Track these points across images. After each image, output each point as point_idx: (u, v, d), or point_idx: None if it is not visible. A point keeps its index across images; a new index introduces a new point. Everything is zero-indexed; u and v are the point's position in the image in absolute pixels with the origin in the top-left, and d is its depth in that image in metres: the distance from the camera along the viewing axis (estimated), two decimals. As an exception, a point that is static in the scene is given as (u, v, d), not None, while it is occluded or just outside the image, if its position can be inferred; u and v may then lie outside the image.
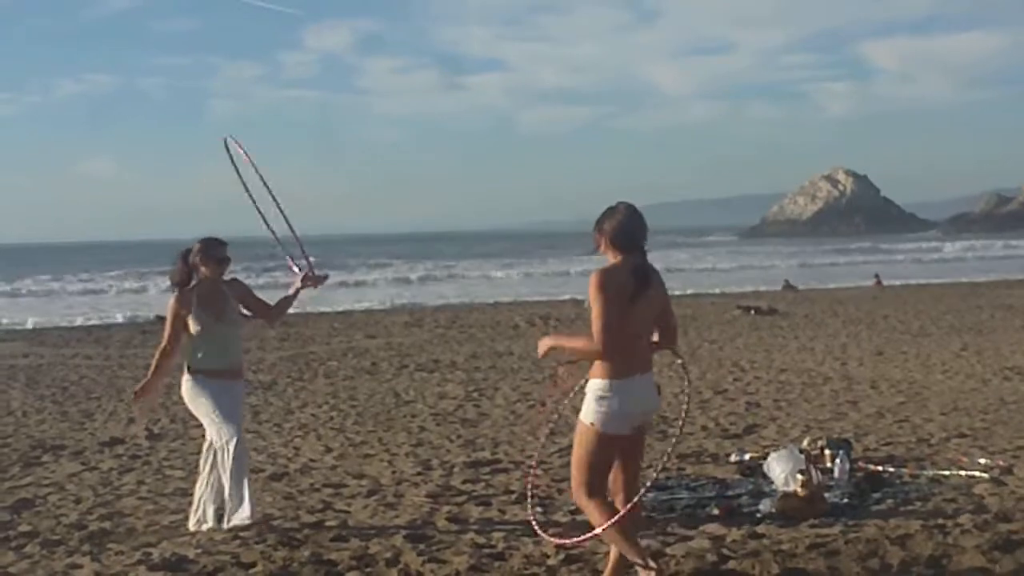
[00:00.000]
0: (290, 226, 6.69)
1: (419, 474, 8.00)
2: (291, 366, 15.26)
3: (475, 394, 12.20)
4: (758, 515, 6.43)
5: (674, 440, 4.99)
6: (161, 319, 23.67)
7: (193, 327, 6.39)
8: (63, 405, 12.24)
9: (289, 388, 13.13)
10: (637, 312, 4.77)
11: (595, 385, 4.82)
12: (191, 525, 6.54)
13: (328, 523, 6.60)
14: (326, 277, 6.87)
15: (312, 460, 8.69)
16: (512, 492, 7.27)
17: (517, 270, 51.01)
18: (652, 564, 4.82)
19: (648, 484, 4.94)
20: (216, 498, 6.55)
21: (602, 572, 5.15)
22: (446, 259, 63.68)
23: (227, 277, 6.61)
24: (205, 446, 6.59)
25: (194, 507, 6.58)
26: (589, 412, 4.83)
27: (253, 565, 5.65)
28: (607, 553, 5.25)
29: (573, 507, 6.61)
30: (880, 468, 7.48)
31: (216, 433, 6.35)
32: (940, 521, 6.14)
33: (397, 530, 6.35)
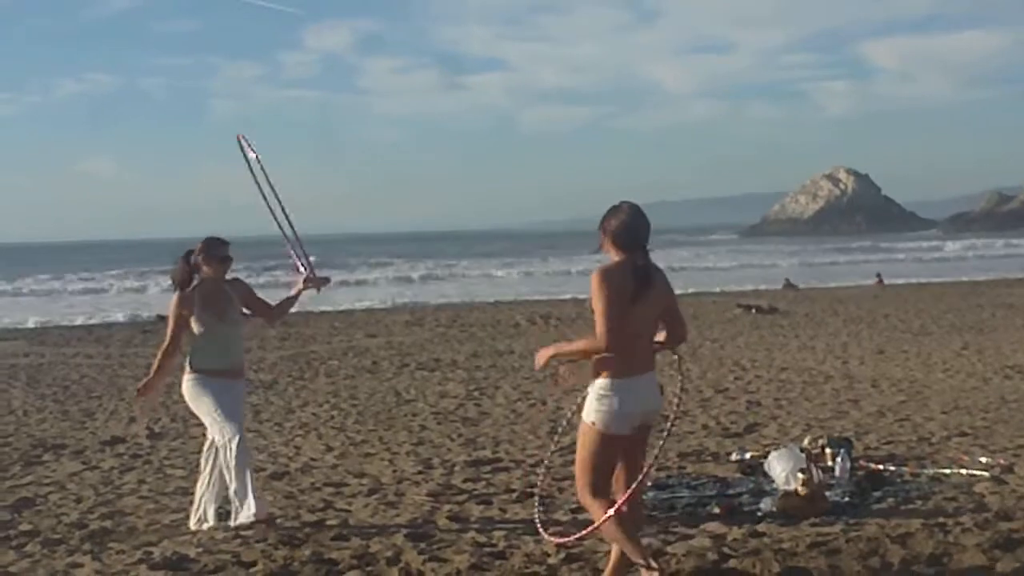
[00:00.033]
0: (292, 226, 6.70)
1: (420, 473, 8.00)
2: (292, 365, 15.26)
3: (476, 393, 12.20)
4: (759, 514, 6.44)
5: (664, 435, 4.93)
6: (162, 318, 23.59)
7: (196, 327, 6.40)
8: (64, 404, 12.24)
9: (290, 387, 13.13)
10: (638, 312, 4.77)
11: (596, 384, 4.82)
12: (192, 524, 6.54)
13: (329, 522, 6.60)
14: (328, 280, 6.88)
15: (313, 459, 8.69)
16: (513, 491, 7.27)
17: (518, 269, 50.98)
18: (654, 564, 4.82)
19: (644, 472, 4.90)
20: (217, 497, 6.56)
21: (603, 571, 5.15)
22: (447, 258, 63.67)
23: (229, 276, 6.62)
24: (206, 445, 6.60)
25: (195, 506, 6.59)
26: (590, 411, 4.83)
27: (254, 564, 5.66)
28: (608, 552, 5.25)
29: (574, 506, 6.62)
30: (881, 467, 7.48)
31: (218, 432, 6.35)
32: (941, 520, 6.14)
33: (398, 529, 6.35)
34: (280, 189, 6.71)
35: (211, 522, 6.49)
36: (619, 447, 4.86)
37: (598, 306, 4.71)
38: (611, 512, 4.77)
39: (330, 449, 9.11)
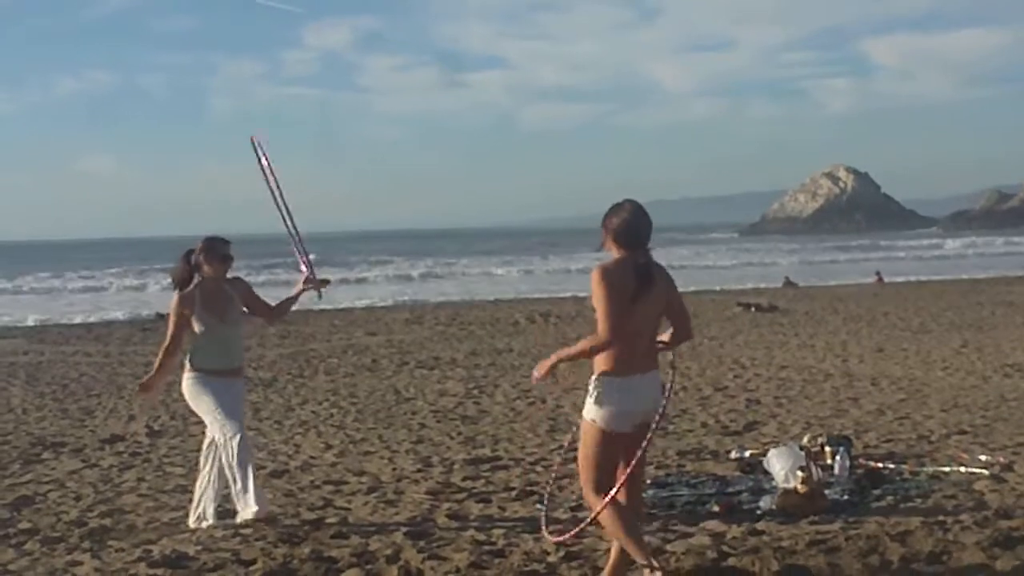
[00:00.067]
0: (296, 229, 6.71)
1: (419, 471, 8.00)
2: (291, 363, 15.26)
3: (475, 391, 12.20)
4: (758, 512, 6.44)
5: (652, 428, 4.89)
6: (161, 316, 23.58)
7: (197, 327, 6.40)
8: (63, 402, 12.24)
9: (289, 385, 13.13)
10: (638, 310, 4.77)
11: (596, 381, 4.82)
12: (191, 522, 6.54)
13: (328, 520, 6.60)
14: (328, 282, 6.89)
15: (312, 457, 8.69)
16: (512, 489, 7.27)
17: (518, 267, 50.97)
18: (656, 563, 4.81)
19: (635, 459, 4.86)
20: (216, 495, 6.56)
21: (603, 569, 5.15)
22: (447, 256, 63.66)
23: (229, 276, 6.62)
24: (205, 443, 6.60)
25: (194, 504, 6.59)
26: (591, 409, 4.83)
27: (253, 562, 5.65)
28: (608, 550, 5.25)
29: (574, 504, 6.62)
30: (880, 465, 7.48)
31: (219, 431, 6.35)
32: (940, 518, 6.14)
33: (397, 527, 6.35)
34: (281, 187, 6.72)
35: (210, 520, 6.49)
36: (621, 445, 4.85)
37: (599, 303, 4.71)
38: (607, 500, 4.77)
39: (329, 447, 9.11)
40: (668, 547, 5.66)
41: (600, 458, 4.84)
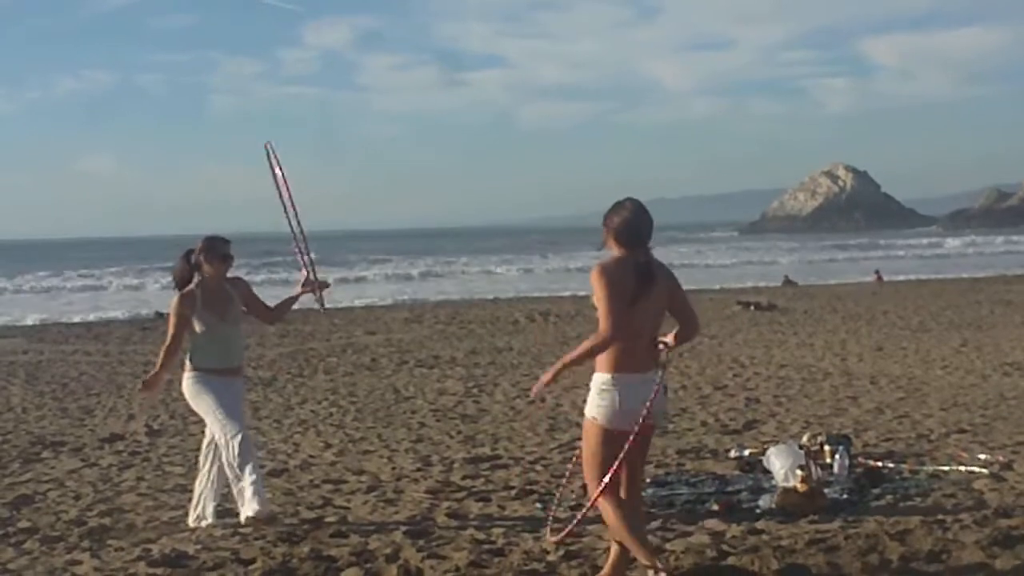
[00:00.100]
0: (303, 233, 6.72)
1: (419, 470, 8.00)
2: (291, 362, 15.26)
3: (475, 390, 12.20)
4: (758, 511, 6.44)
5: (639, 421, 4.87)
6: (161, 315, 23.56)
7: (198, 327, 6.41)
8: (63, 401, 12.24)
9: (289, 384, 13.13)
10: (639, 310, 4.76)
11: (597, 379, 4.82)
12: (191, 521, 6.54)
13: (328, 519, 6.61)
14: (327, 284, 6.90)
15: (312, 456, 8.69)
16: (512, 488, 7.27)
17: (517, 266, 50.96)
18: (660, 564, 4.81)
19: (626, 448, 4.84)
20: (216, 494, 6.56)
21: (602, 568, 5.15)
22: (446, 255, 63.64)
23: (229, 275, 6.62)
24: (205, 442, 6.60)
25: (194, 503, 6.59)
26: (592, 406, 4.83)
27: (253, 561, 5.66)
28: (607, 549, 5.25)
29: (573, 503, 6.62)
30: (880, 464, 7.48)
31: (220, 430, 6.35)
32: (939, 517, 6.14)
33: (397, 526, 6.35)
34: (271, 177, 6.72)
35: (210, 519, 6.49)
36: (622, 443, 4.83)
37: (600, 301, 4.71)
38: (600, 489, 4.78)
39: (329, 446, 9.10)
40: (667, 546, 5.66)
41: (603, 456, 4.83)
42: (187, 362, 6.48)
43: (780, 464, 6.98)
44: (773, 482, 6.96)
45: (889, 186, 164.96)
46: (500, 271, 48.13)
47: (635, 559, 5.03)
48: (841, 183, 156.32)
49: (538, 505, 6.78)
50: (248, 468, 6.30)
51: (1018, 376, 12.10)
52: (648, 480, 7.00)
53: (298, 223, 6.68)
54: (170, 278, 6.70)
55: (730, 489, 6.99)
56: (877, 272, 35.32)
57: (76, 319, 26.29)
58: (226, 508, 6.63)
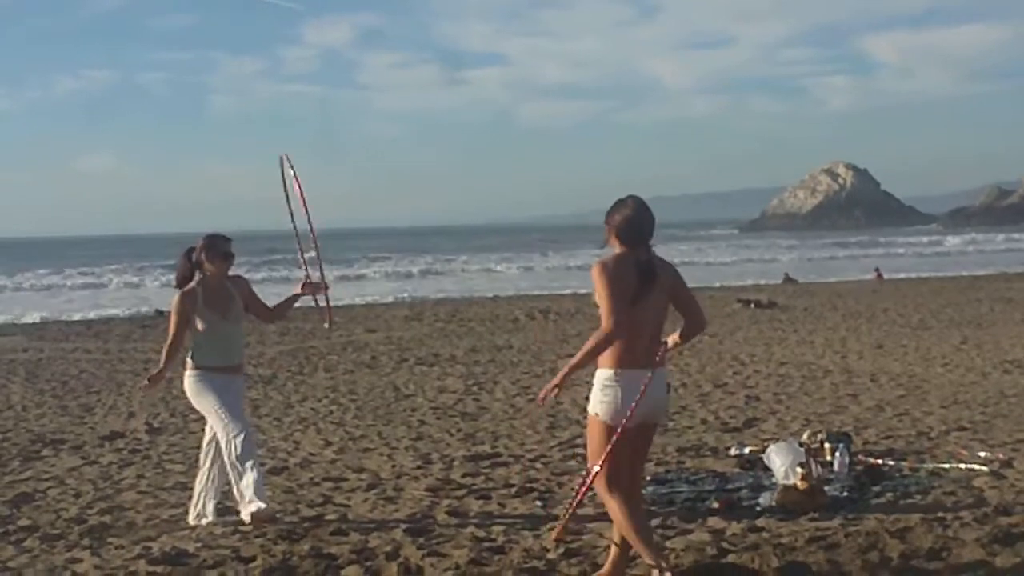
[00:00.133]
0: (315, 242, 6.73)
1: (419, 468, 8.00)
2: (291, 360, 15.26)
3: (475, 388, 12.20)
4: (758, 508, 6.44)
5: (628, 412, 4.86)
6: (161, 313, 23.51)
7: (199, 325, 6.41)
8: (63, 399, 12.24)
9: (289, 382, 13.13)
10: (640, 308, 4.75)
11: (600, 375, 4.81)
12: (191, 519, 6.55)
13: (328, 517, 6.61)
14: (326, 287, 6.91)
15: (312, 454, 8.69)
16: (512, 485, 7.27)
17: (517, 264, 50.95)
18: (665, 565, 4.80)
19: (606, 451, 4.83)
20: (216, 492, 6.56)
21: (602, 565, 5.15)
22: (446, 253, 63.62)
23: (230, 273, 6.62)
24: (205, 440, 6.60)
25: (194, 501, 6.59)
26: (595, 402, 4.83)
27: (253, 559, 5.66)
28: (607, 547, 5.25)
29: (575, 502, 6.61)
30: (880, 461, 7.48)
31: (222, 429, 6.35)
32: (940, 514, 6.15)
33: (397, 524, 6.35)
34: (280, 185, 6.72)
35: (210, 517, 6.49)
36: (626, 439, 4.82)
37: (601, 298, 4.71)
38: (593, 475, 4.80)
39: (329, 444, 9.10)
40: (668, 543, 5.66)
41: (608, 452, 4.83)
42: (188, 360, 6.48)
43: (780, 462, 6.98)
44: (773, 480, 6.96)
45: (889, 184, 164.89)
46: (500, 269, 48.12)
47: (635, 557, 5.04)
48: (841, 181, 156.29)
49: (538, 503, 6.78)
50: (249, 467, 6.30)
51: (1018, 374, 12.10)
52: (648, 478, 7.00)
53: (311, 228, 6.71)
54: (170, 276, 6.71)
55: (730, 487, 7.00)
56: (877, 270, 35.32)
57: (76, 317, 26.26)
58: (226, 506, 6.63)
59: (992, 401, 10.25)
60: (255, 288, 6.86)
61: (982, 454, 7.65)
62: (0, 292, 38.48)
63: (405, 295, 31.74)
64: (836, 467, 7.21)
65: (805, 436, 7.97)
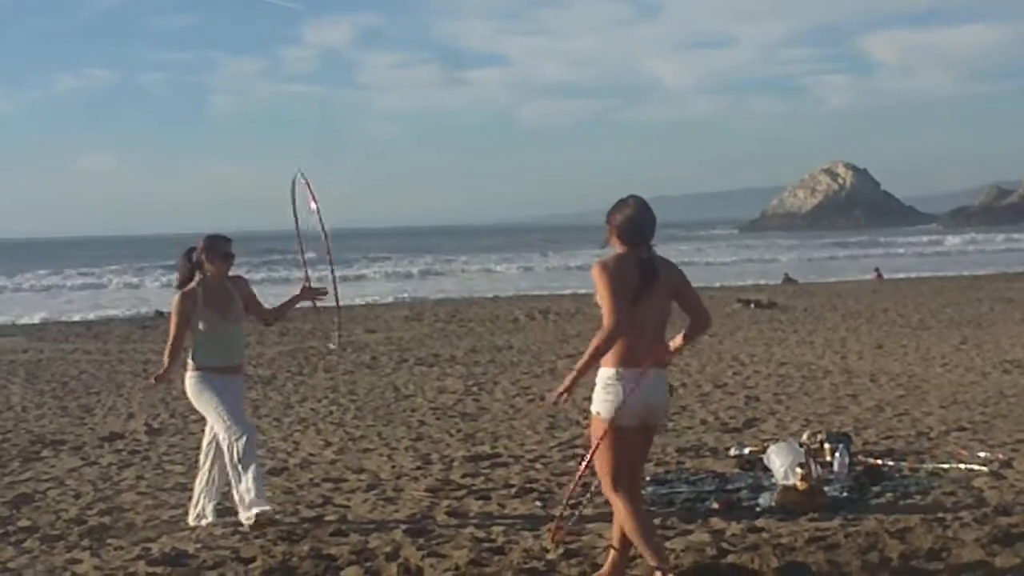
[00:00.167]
0: (328, 251, 6.74)
1: (419, 468, 8.00)
2: (290, 360, 15.26)
3: (475, 388, 12.20)
4: (758, 509, 6.44)
5: (618, 405, 4.86)
6: (161, 314, 23.50)
7: (199, 325, 6.41)
8: (63, 400, 12.24)
9: (288, 383, 13.13)
10: (641, 307, 4.75)
11: (602, 374, 4.81)
12: (190, 520, 6.55)
13: (328, 518, 6.61)
14: (325, 291, 6.92)
15: (311, 455, 8.69)
16: (512, 486, 7.26)
17: (517, 264, 50.95)
18: (668, 566, 4.80)
19: (593, 448, 4.83)
20: (216, 493, 6.56)
21: (602, 566, 5.15)
22: (446, 253, 63.61)
23: (231, 274, 6.62)
24: (205, 441, 6.60)
25: (194, 502, 6.59)
26: (597, 401, 4.82)
27: (253, 560, 5.66)
28: (607, 547, 5.25)
29: (572, 501, 6.61)
30: (880, 462, 7.48)
31: (225, 431, 6.34)
32: (939, 514, 6.15)
33: (397, 524, 6.35)
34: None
35: (210, 518, 6.49)
36: (629, 437, 4.81)
37: (602, 297, 4.71)
38: (583, 466, 4.82)
39: (329, 445, 9.10)
40: (667, 544, 5.65)
41: (611, 453, 4.83)
42: (189, 361, 6.49)
43: (780, 462, 6.98)
44: (773, 480, 6.96)
45: (889, 184, 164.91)
46: (500, 269, 48.11)
47: (635, 558, 5.04)
48: (841, 181, 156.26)
49: (538, 503, 6.78)
50: (251, 469, 6.30)
51: (1018, 374, 12.10)
52: (648, 478, 7.00)
53: (328, 251, 6.76)
54: (170, 276, 6.73)
55: (730, 487, 7.00)
56: (877, 270, 35.32)
57: (76, 317, 26.25)
58: (226, 507, 6.63)
59: (992, 401, 10.25)
60: (255, 288, 6.86)
61: (982, 454, 7.65)
62: (0, 292, 38.48)
63: (405, 295, 31.74)
64: (836, 467, 7.21)
65: (805, 436, 7.96)
